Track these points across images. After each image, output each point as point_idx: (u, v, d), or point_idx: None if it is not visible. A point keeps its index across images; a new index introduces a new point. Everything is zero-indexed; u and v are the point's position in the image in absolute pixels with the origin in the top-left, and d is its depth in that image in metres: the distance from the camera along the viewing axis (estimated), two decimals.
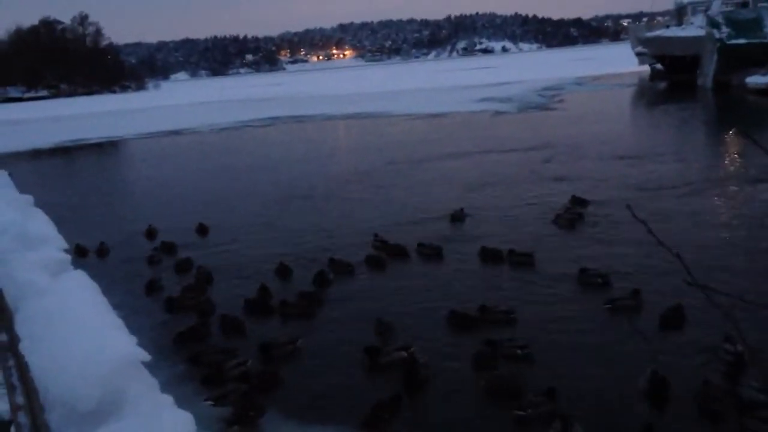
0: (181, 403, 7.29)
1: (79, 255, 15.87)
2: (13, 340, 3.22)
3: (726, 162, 23.22)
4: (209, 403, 8.61)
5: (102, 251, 16.63)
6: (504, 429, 7.94)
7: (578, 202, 17.72)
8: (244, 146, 39.45)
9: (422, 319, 11.19)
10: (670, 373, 8.34)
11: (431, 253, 14.41)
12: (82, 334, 1.87)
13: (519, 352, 9.40)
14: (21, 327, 2.21)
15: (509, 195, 19.92)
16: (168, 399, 1.72)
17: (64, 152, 45.06)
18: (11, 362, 3.47)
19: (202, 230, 18.01)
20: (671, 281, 11.39)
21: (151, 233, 18.03)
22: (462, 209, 17.80)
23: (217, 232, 18.09)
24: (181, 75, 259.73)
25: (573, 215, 16.51)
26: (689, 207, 17.05)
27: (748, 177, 19.81)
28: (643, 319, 10.53)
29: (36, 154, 44.13)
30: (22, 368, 2.58)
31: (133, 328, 9.72)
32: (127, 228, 19.36)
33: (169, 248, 16.34)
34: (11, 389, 3.24)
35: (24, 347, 2.10)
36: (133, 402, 1.66)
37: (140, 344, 2.05)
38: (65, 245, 3.36)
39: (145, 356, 1.90)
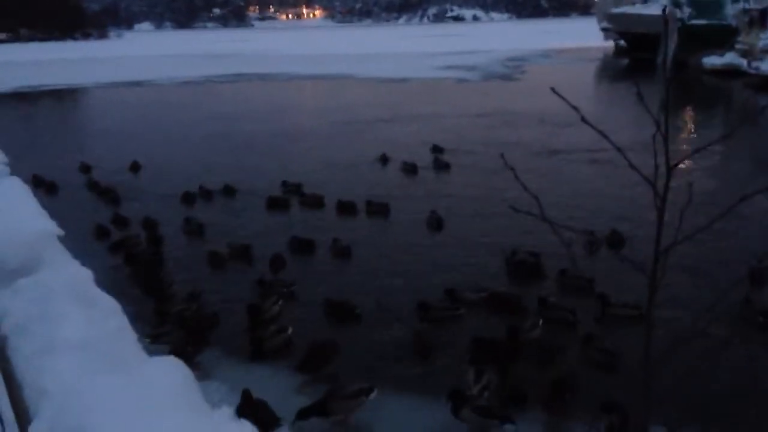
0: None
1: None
2: None
3: (648, 134, 23.95)
4: (147, 340, 8.76)
5: (39, 182, 17.58)
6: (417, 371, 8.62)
7: (437, 149, 20.52)
8: (204, 100, 39.42)
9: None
10: None
11: (313, 202, 15.52)
12: (12, 216, 2.34)
13: (285, 290, 10.58)
14: None
15: (422, 155, 20.89)
16: (76, 262, 2.21)
17: (21, 97, 44.31)
18: None
19: (135, 167, 19.79)
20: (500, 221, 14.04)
21: (85, 169, 19.52)
22: (384, 154, 20.17)
23: (149, 169, 20.05)
24: (146, 25, 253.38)
25: (412, 165, 18.67)
26: (575, 169, 18.91)
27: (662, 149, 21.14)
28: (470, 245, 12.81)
29: None
30: None
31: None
32: (68, 164, 20.55)
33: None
34: None
35: None
36: (48, 261, 2.14)
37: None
38: (6, 159, 3.76)
39: (60, 232, 2.39)
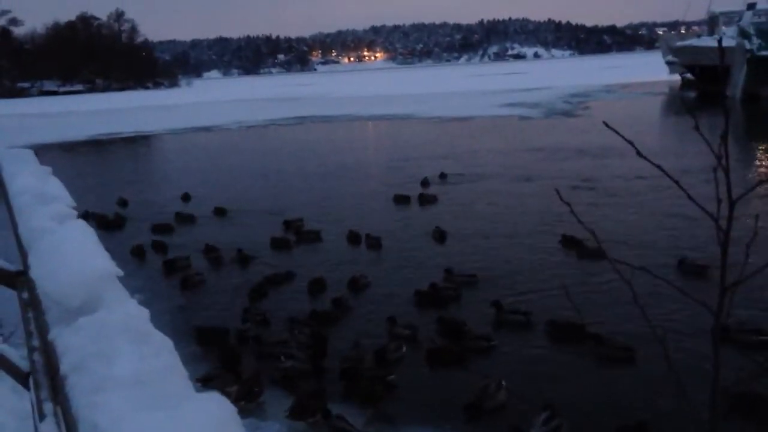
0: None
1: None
2: (35, 300, 3.82)
3: (704, 171, 21.00)
4: (198, 383, 8.54)
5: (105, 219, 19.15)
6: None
7: (443, 176, 22.78)
8: (267, 142, 40.53)
9: None
10: None
11: (311, 238, 16.13)
12: (75, 258, 2.46)
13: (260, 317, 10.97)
14: (32, 260, 2.82)
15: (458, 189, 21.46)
16: (133, 301, 2.30)
17: (97, 145, 46.27)
18: (30, 315, 4.06)
19: (186, 198, 21.98)
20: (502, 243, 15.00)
21: (122, 202, 21.52)
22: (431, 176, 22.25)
23: (197, 202, 21.58)
24: (214, 73, 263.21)
25: (405, 194, 19.69)
26: (634, 202, 18.28)
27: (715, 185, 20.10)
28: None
29: (70, 146, 45.23)
30: (42, 327, 3.19)
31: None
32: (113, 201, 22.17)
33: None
34: (31, 347, 3.79)
35: (32, 272, 2.71)
36: (108, 300, 2.23)
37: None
38: (73, 203, 3.95)
39: (119, 272, 2.49)
